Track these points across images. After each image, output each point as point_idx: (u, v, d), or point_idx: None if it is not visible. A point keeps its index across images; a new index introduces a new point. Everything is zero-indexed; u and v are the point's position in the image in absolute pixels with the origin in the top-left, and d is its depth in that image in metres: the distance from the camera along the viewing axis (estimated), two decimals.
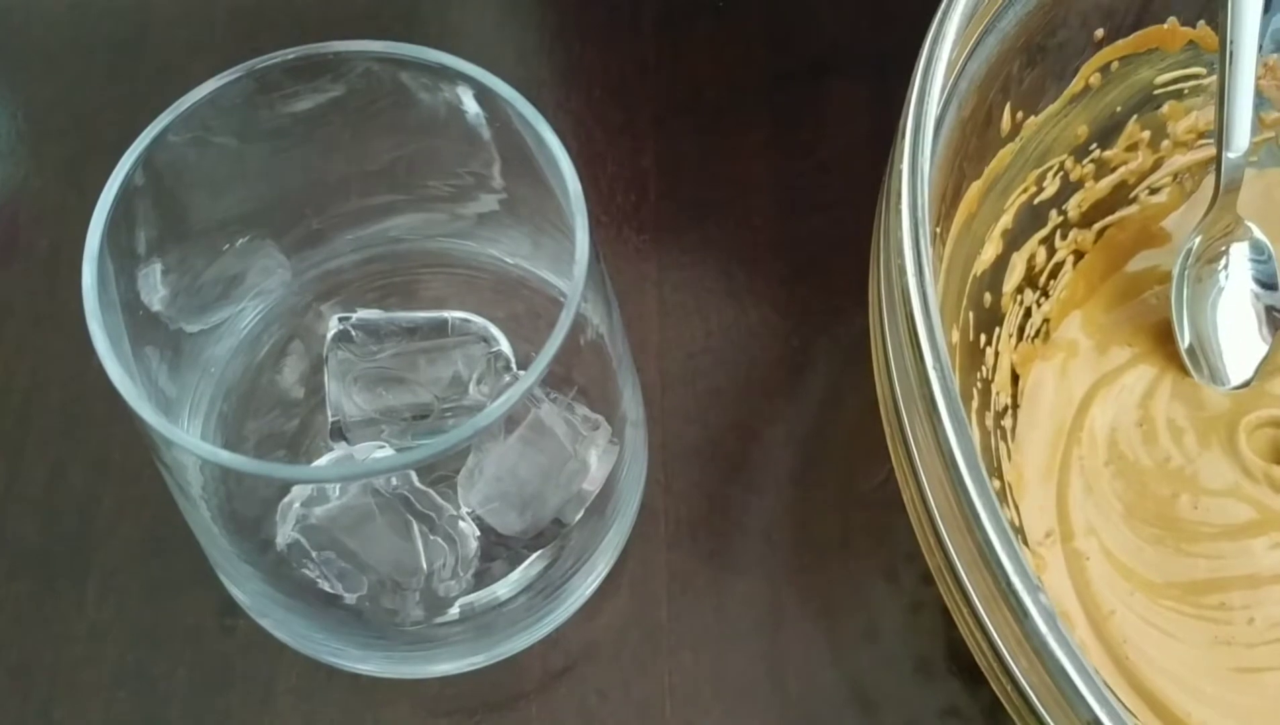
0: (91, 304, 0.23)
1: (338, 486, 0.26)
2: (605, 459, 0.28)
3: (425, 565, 0.26)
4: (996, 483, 0.31)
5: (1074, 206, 0.34)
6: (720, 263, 0.38)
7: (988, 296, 0.32)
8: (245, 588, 0.27)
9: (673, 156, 0.40)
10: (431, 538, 0.26)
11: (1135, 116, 0.34)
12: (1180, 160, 0.35)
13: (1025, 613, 0.21)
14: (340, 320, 0.29)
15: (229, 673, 0.32)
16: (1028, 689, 0.22)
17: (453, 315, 0.30)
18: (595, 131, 0.40)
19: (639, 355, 0.31)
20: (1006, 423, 0.33)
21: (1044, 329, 0.34)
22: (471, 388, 0.29)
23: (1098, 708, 0.21)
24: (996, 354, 0.33)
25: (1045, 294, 0.34)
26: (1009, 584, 0.21)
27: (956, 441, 0.22)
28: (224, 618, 0.31)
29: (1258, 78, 0.32)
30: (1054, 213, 0.34)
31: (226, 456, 0.22)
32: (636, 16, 0.42)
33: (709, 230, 0.39)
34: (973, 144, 0.29)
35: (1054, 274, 0.34)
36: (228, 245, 0.28)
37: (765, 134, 0.40)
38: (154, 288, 0.26)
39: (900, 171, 0.24)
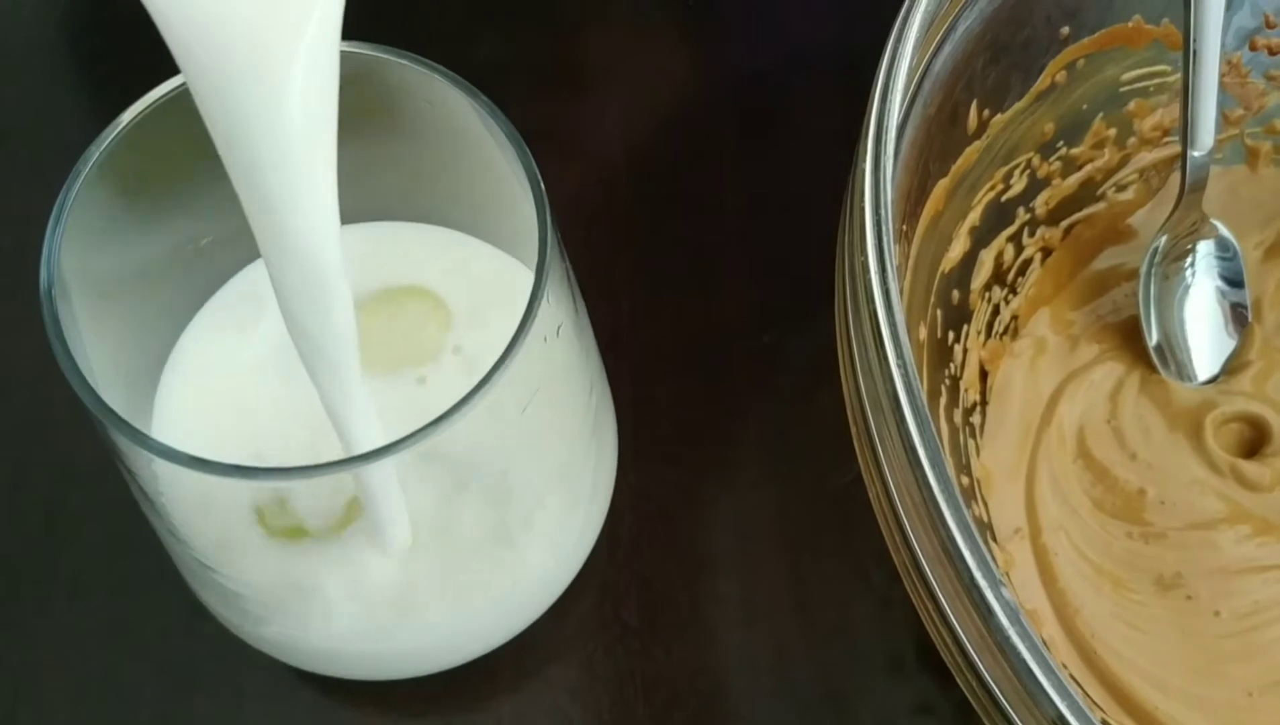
0: (49, 307, 0.23)
1: None
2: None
3: None
4: (965, 479, 0.31)
5: (1041, 204, 0.34)
6: (691, 261, 0.38)
7: (955, 294, 0.32)
8: (211, 592, 0.26)
9: (642, 154, 0.40)
10: None
11: (1101, 114, 0.34)
12: (1147, 157, 0.35)
13: (988, 609, 0.21)
14: None
15: (197, 676, 0.32)
16: (993, 685, 0.22)
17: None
18: (562, 129, 0.40)
19: (609, 354, 0.31)
20: (975, 419, 0.33)
21: (1012, 326, 0.35)
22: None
23: (1061, 703, 0.21)
24: (965, 351, 0.33)
25: (1013, 291, 0.34)
26: (972, 580, 0.21)
27: (919, 438, 0.22)
28: (191, 620, 0.31)
29: (1221, 75, 0.32)
30: (1021, 210, 0.34)
31: (189, 460, 0.21)
32: (604, 13, 0.42)
33: (679, 228, 0.39)
34: (939, 142, 0.29)
35: (1022, 271, 0.35)
36: (192, 245, 0.28)
37: (736, 132, 0.40)
38: (116, 288, 0.26)
39: (864, 169, 0.24)
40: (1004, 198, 0.33)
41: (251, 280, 0.29)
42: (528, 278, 0.23)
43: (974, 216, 0.32)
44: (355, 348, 0.22)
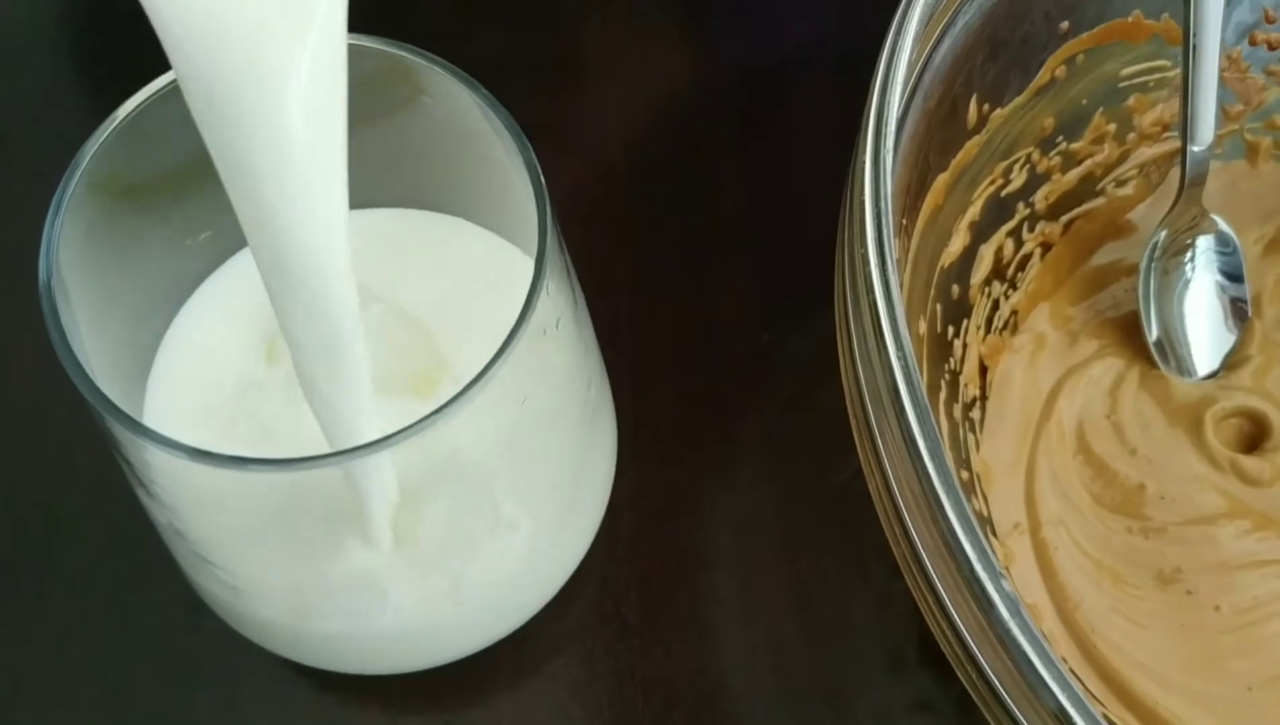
0: (48, 301, 0.23)
1: None
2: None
3: None
4: (965, 474, 0.31)
5: (1041, 199, 0.34)
6: (691, 259, 0.38)
7: (955, 288, 0.32)
8: (209, 585, 0.26)
9: (641, 152, 0.40)
10: None
11: (1101, 109, 0.34)
12: (1146, 152, 0.35)
13: (989, 601, 0.21)
14: None
15: (196, 672, 0.32)
16: (993, 678, 0.22)
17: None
18: (562, 126, 0.40)
19: (609, 352, 0.31)
20: (975, 414, 0.33)
21: (1012, 321, 0.35)
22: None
23: (1061, 695, 0.21)
24: (964, 346, 0.33)
25: (1013, 286, 0.34)
26: (971, 571, 0.21)
27: (919, 429, 0.22)
28: (190, 616, 0.31)
29: (1221, 70, 0.32)
30: (1021, 205, 0.34)
31: (189, 452, 0.21)
32: (604, 10, 0.42)
33: (679, 227, 0.39)
34: (938, 136, 0.29)
35: (1021, 266, 0.35)
36: (190, 239, 0.28)
37: (735, 130, 0.40)
38: (115, 282, 0.26)
39: (863, 162, 0.24)
40: (1004, 192, 0.33)
41: (238, 270, 0.29)
42: (527, 266, 0.23)
43: (974, 211, 0.32)
44: (365, 365, 0.21)
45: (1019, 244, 0.34)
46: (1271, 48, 0.35)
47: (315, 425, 0.22)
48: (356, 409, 0.21)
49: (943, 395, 0.31)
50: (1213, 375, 0.34)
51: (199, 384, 0.27)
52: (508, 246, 0.29)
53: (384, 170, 0.28)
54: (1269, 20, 0.35)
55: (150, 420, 0.27)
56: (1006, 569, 0.30)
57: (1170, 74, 0.34)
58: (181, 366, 0.28)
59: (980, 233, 0.33)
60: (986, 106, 0.31)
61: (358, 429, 0.22)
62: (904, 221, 0.28)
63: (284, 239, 0.19)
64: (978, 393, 0.33)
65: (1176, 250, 0.35)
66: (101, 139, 0.24)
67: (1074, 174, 0.35)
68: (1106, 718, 0.29)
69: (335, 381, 0.21)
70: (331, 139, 0.19)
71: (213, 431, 0.26)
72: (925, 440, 0.22)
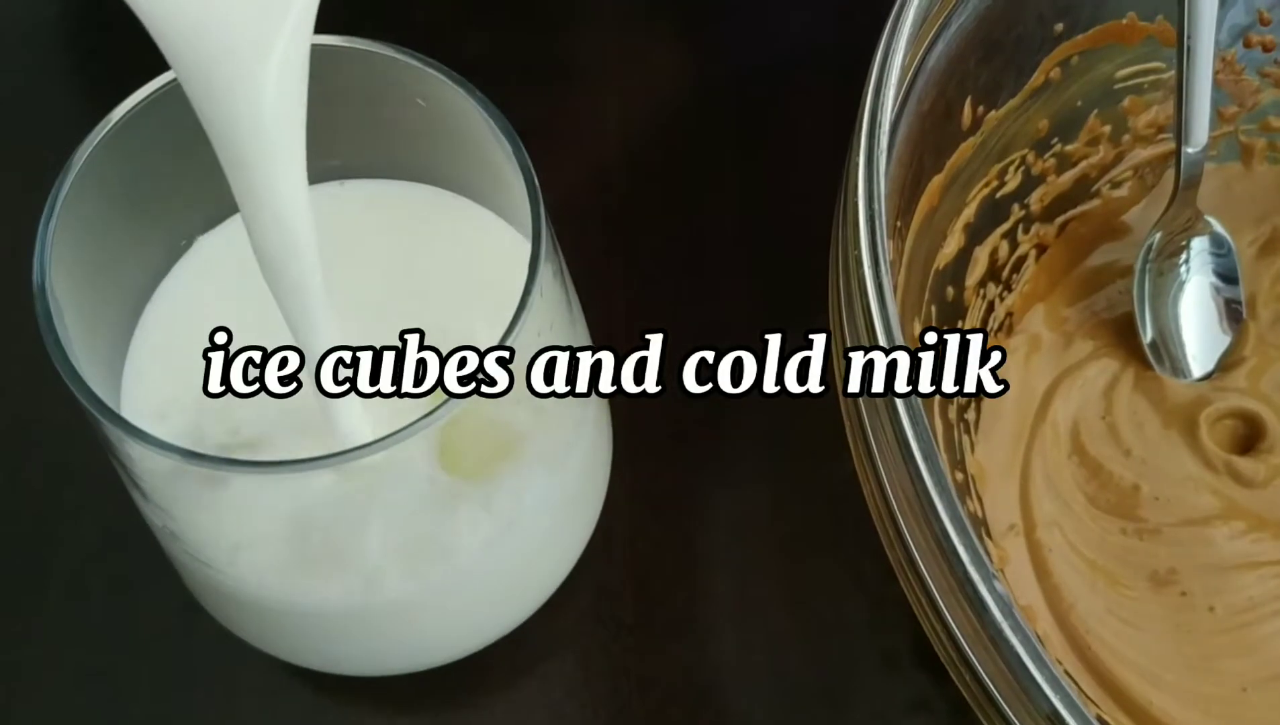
0: (42, 304, 0.23)
1: None
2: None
3: None
4: (960, 475, 0.31)
5: (1036, 200, 0.34)
6: (688, 260, 0.38)
7: (950, 290, 0.32)
8: (202, 585, 0.26)
9: (638, 153, 0.40)
10: None
11: (1096, 111, 0.34)
12: (1141, 154, 0.35)
13: (982, 603, 0.21)
14: None
15: (191, 671, 0.32)
16: (987, 680, 0.22)
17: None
18: (558, 127, 0.40)
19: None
20: (970, 416, 0.33)
21: (1007, 322, 0.35)
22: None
23: (1054, 697, 0.21)
24: None
25: (1008, 288, 0.34)
26: (965, 574, 0.21)
27: (912, 432, 0.22)
28: (186, 616, 0.31)
29: (1215, 72, 0.32)
30: (1016, 206, 0.34)
31: (181, 451, 0.21)
32: (601, 10, 0.42)
33: (676, 227, 0.39)
34: (933, 138, 0.29)
35: (1016, 268, 0.35)
36: (185, 241, 0.28)
37: (733, 130, 0.40)
38: (109, 284, 0.26)
39: (857, 163, 0.24)
40: (999, 194, 0.33)
41: (205, 255, 0.29)
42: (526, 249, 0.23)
43: (968, 213, 0.32)
44: (317, 270, 0.23)
45: (1014, 246, 0.34)
46: (1266, 49, 0.35)
47: (308, 423, 0.22)
48: (308, 302, 0.23)
49: (937, 397, 0.31)
50: (1207, 377, 0.34)
51: (182, 380, 0.27)
52: (504, 251, 0.29)
53: (381, 169, 0.28)
54: (1263, 22, 0.35)
55: (129, 412, 0.27)
56: (1001, 571, 0.30)
57: (1165, 76, 0.34)
58: (159, 362, 0.28)
59: (975, 234, 0.33)
60: (981, 108, 0.31)
61: (315, 322, 0.23)
62: (898, 223, 0.28)
63: (262, 183, 0.22)
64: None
65: (1171, 252, 0.35)
66: (96, 141, 0.24)
67: (1069, 176, 0.35)
68: (1101, 719, 0.29)
69: (293, 292, 0.23)
70: (295, 113, 0.22)
71: (201, 431, 0.26)
72: (919, 442, 0.22)
